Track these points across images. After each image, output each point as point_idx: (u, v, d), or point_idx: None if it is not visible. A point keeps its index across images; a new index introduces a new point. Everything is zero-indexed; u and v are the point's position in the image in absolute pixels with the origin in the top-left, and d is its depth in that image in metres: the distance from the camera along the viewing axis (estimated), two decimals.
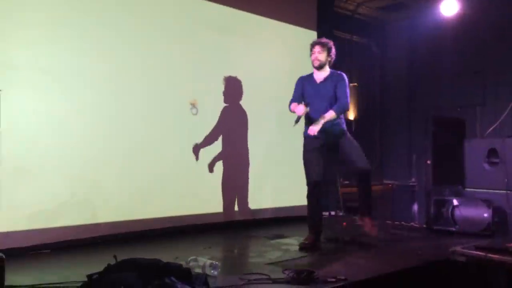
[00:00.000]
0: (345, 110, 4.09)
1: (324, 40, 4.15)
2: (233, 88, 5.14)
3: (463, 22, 6.48)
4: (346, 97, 4.02)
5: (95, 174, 4.10)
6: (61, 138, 3.91)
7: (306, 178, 4.12)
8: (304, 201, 6.10)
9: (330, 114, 3.94)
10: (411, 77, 7.62)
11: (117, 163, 4.24)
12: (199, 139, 4.89)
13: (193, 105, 4.87)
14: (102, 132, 4.15)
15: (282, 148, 5.70)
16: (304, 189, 5.98)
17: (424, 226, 5.47)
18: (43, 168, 3.78)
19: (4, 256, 2.20)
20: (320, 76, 4.12)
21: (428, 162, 6.85)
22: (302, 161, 6.11)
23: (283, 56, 5.80)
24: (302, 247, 3.93)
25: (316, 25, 6.19)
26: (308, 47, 6.11)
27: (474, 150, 5.21)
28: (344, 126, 4.19)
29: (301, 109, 3.93)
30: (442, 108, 7.00)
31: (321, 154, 4.09)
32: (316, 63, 4.08)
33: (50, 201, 3.82)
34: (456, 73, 6.78)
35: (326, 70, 4.13)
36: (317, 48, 4.09)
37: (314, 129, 3.88)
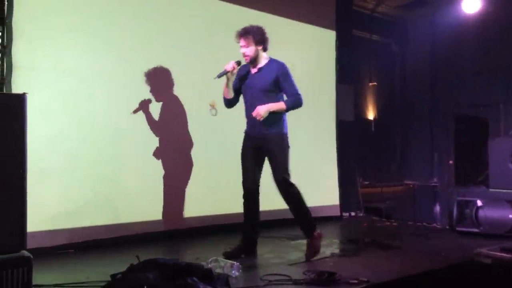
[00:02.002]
0: (298, 105, 3.62)
1: (246, 29, 3.55)
2: (163, 80, 4.52)
3: (485, 19, 6.36)
4: (296, 90, 3.58)
5: (118, 175, 4.15)
6: (84, 139, 3.97)
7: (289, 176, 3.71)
8: (324, 202, 6.10)
9: (279, 105, 3.53)
10: (432, 75, 7.51)
11: (139, 163, 4.29)
12: (220, 140, 4.89)
13: (213, 106, 4.88)
14: (124, 133, 4.20)
15: (300, 148, 5.67)
16: (324, 190, 6.00)
17: (447, 227, 5.38)
18: (67, 169, 3.85)
19: (31, 256, 2.24)
20: (255, 66, 3.63)
21: (450, 162, 6.74)
22: (319, 162, 6.08)
23: (301, 56, 5.78)
24: (223, 253, 3.54)
25: (334, 24, 6.15)
26: (327, 46, 6.15)
27: (498, 150, 5.10)
28: (285, 130, 3.69)
29: (230, 64, 3.51)
30: (464, 107, 6.88)
31: (255, 155, 3.65)
32: (246, 59, 3.59)
33: (74, 201, 3.88)
34: (478, 71, 6.66)
35: (263, 59, 3.62)
36: (242, 42, 3.55)
37: (260, 111, 3.44)
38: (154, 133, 4.38)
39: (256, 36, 3.54)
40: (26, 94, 2.32)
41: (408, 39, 7.73)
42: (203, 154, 4.77)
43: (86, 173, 3.95)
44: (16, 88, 3.59)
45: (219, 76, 3.59)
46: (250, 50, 3.55)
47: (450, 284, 3.36)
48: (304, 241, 4.38)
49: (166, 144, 4.49)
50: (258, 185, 3.73)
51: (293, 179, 5.57)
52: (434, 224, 5.88)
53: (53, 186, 3.74)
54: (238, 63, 3.60)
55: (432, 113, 7.50)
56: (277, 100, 3.58)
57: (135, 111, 4.23)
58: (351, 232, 5.35)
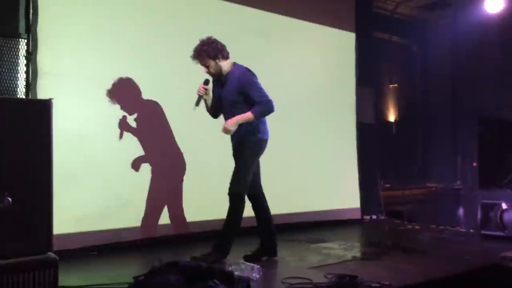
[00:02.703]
0: (268, 111, 3.46)
1: (196, 49, 3.46)
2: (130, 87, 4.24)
3: (508, 19, 6.24)
4: (263, 96, 3.43)
5: (140, 178, 4.20)
6: (106, 142, 4.03)
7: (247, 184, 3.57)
8: (345, 205, 6.06)
9: (247, 116, 3.39)
10: (454, 76, 7.39)
11: (160, 166, 4.33)
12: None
13: None
14: (145, 136, 4.26)
15: (321, 151, 5.66)
16: (345, 193, 5.96)
17: (471, 231, 5.28)
18: (90, 173, 3.91)
19: (57, 258, 2.30)
20: (223, 78, 3.56)
21: (474, 164, 6.61)
22: (339, 165, 6.03)
23: (321, 59, 5.77)
24: (244, 256, 3.52)
25: (354, 26, 6.12)
26: (347, 49, 6.12)
27: None
28: (264, 135, 3.58)
29: (199, 88, 3.48)
30: (488, 109, 6.74)
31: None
32: (212, 77, 3.56)
33: (97, 205, 3.95)
34: (502, 72, 6.52)
35: (226, 68, 3.52)
36: (200, 63, 3.49)
37: (227, 126, 3.39)
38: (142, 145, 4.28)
39: (208, 50, 3.43)
40: (52, 100, 2.39)
41: (429, 40, 7.63)
42: (224, 157, 4.79)
43: (108, 177, 4.01)
44: (41, 93, 3.68)
45: (197, 104, 3.51)
46: (211, 67, 3.47)
47: None
48: (324, 245, 4.37)
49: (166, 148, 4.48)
50: (259, 190, 3.71)
51: (314, 182, 5.60)
52: (458, 228, 5.78)
53: (77, 190, 3.81)
54: (206, 82, 3.53)
55: (454, 115, 7.38)
56: (248, 110, 3.43)
57: (120, 136, 4.06)
58: (372, 235, 5.30)
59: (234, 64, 3.56)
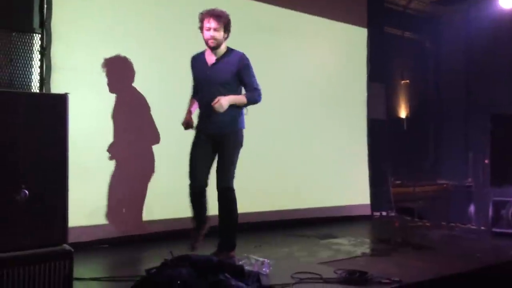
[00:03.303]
0: (258, 101, 3.37)
1: (219, 11, 3.29)
2: (121, 69, 4.12)
3: None
4: (257, 84, 3.34)
5: (151, 173, 4.24)
6: (119, 137, 4.07)
7: (233, 178, 3.37)
8: (355, 201, 6.04)
9: (241, 98, 3.30)
10: (467, 72, 7.32)
11: (172, 162, 4.36)
12: (248, 139, 4.92)
13: None
14: (159, 132, 4.29)
15: (331, 146, 5.66)
16: (355, 189, 5.95)
17: (482, 228, 5.25)
18: (103, 167, 3.96)
19: (72, 250, 2.34)
20: (212, 56, 3.34)
21: (486, 161, 6.55)
22: (350, 161, 5.93)
23: (332, 54, 5.75)
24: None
25: (366, 21, 6.09)
26: (359, 44, 6.08)
27: None
28: (243, 126, 3.46)
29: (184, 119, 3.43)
30: (500, 105, 6.67)
31: (207, 152, 3.39)
32: (212, 43, 3.26)
33: (109, 198, 3.99)
34: None
35: (222, 49, 3.34)
36: (213, 23, 3.22)
37: (222, 101, 3.16)
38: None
39: (227, 21, 3.29)
40: (68, 94, 2.42)
41: (442, 35, 7.56)
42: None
43: (121, 171, 4.05)
44: (55, 88, 3.72)
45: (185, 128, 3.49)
46: (220, 35, 3.26)
47: (486, 286, 3.29)
48: (334, 240, 4.38)
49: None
50: (207, 185, 3.44)
51: (324, 178, 5.61)
52: (469, 225, 5.75)
53: (90, 184, 3.86)
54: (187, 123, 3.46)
55: (467, 111, 7.31)
56: (234, 94, 3.31)
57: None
58: (382, 231, 5.29)
59: (228, 47, 3.40)
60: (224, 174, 3.34)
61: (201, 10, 4.59)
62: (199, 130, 3.42)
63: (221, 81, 3.30)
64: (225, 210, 3.37)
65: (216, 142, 3.38)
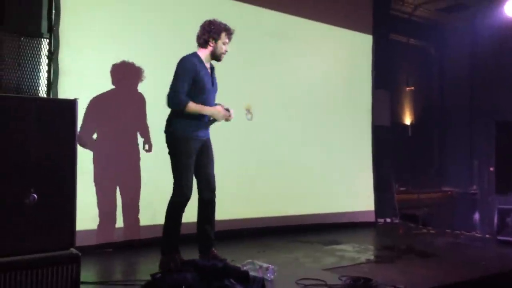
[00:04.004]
0: None
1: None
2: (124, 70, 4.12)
3: None
4: None
5: (157, 177, 4.25)
6: (126, 142, 4.09)
7: (177, 186, 3.22)
8: (359, 208, 6.02)
9: None
10: (472, 79, 7.32)
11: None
12: (253, 144, 4.94)
13: (248, 111, 4.91)
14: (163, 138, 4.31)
15: (336, 153, 5.66)
16: (360, 195, 5.94)
17: (487, 236, 5.23)
18: (108, 172, 3.98)
19: (80, 254, 2.35)
20: (208, 64, 3.40)
21: (491, 169, 6.53)
22: (354, 167, 5.88)
23: (337, 61, 5.77)
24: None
25: (371, 28, 6.11)
26: (364, 51, 6.09)
27: None
28: None
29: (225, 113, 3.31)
30: (505, 112, 6.66)
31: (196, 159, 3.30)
32: (223, 57, 3.40)
33: (113, 203, 4.01)
34: None
35: None
36: (228, 41, 3.38)
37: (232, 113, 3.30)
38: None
39: None
40: (77, 100, 2.45)
41: (447, 43, 7.57)
42: (240, 158, 4.83)
43: (126, 176, 4.07)
44: (62, 92, 3.76)
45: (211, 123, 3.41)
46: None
47: None
48: (338, 247, 4.37)
49: None
50: None
51: (329, 184, 5.60)
52: (474, 233, 5.72)
53: (94, 188, 3.88)
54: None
55: (471, 118, 7.30)
56: None
57: None
58: (387, 238, 5.28)
59: None
60: (213, 179, 3.38)
61: (207, 14, 4.64)
62: (195, 138, 3.27)
63: (216, 90, 3.41)
64: (213, 216, 3.39)
65: (204, 147, 3.35)
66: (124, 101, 4.18)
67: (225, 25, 3.38)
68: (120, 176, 4.07)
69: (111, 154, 4.03)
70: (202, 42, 3.34)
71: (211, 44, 3.33)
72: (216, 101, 3.51)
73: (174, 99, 3.17)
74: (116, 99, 4.10)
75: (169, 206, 3.25)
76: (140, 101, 4.22)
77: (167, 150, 3.32)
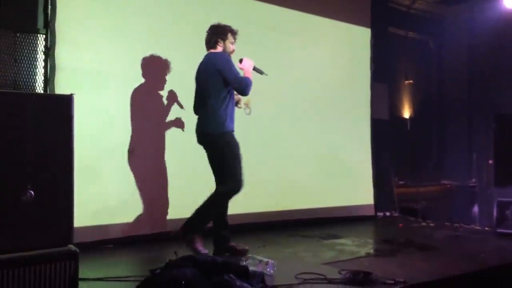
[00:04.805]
0: None
1: None
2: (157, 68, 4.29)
3: None
4: None
5: (156, 172, 4.25)
6: (122, 138, 4.08)
7: (236, 180, 3.44)
8: (359, 201, 6.02)
9: None
10: (471, 73, 7.30)
11: (177, 162, 4.37)
12: (252, 139, 4.92)
13: (247, 105, 4.90)
14: (161, 133, 4.30)
15: (334, 147, 5.66)
16: (359, 189, 5.94)
17: (486, 228, 5.24)
18: (107, 167, 3.97)
19: (78, 250, 2.34)
20: None
21: (490, 162, 6.53)
22: (353, 161, 5.89)
23: (336, 54, 5.75)
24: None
25: (370, 21, 6.08)
26: (362, 44, 6.07)
27: None
28: None
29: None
30: (504, 105, 6.65)
31: None
32: (231, 55, 3.67)
33: (113, 199, 4.00)
34: None
35: None
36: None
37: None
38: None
39: None
40: (74, 95, 2.43)
41: (445, 36, 7.54)
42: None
43: (124, 171, 4.06)
44: (59, 88, 3.73)
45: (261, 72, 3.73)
46: None
47: (491, 287, 3.28)
48: (338, 241, 4.38)
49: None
50: None
51: (327, 178, 5.60)
52: (473, 226, 5.73)
53: (94, 184, 3.87)
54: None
55: (470, 111, 7.29)
56: None
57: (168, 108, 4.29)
58: (386, 232, 5.29)
59: None
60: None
61: (204, 8, 4.61)
62: (232, 130, 3.57)
63: None
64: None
65: None
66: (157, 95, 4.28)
67: (229, 26, 3.65)
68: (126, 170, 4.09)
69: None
70: (213, 43, 3.61)
71: (220, 45, 3.61)
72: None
73: (247, 83, 3.51)
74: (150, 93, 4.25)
75: (217, 196, 3.46)
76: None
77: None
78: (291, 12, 5.30)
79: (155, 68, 4.26)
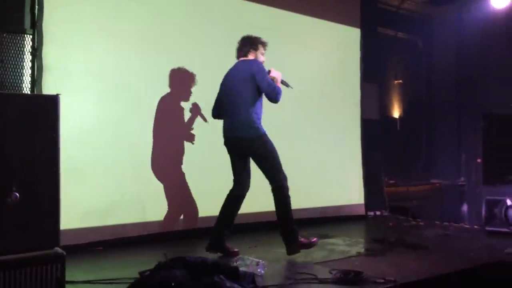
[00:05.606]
0: None
1: None
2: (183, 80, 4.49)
3: None
4: None
5: (145, 174, 4.21)
6: (113, 139, 4.05)
7: (280, 173, 3.69)
8: (349, 201, 6.03)
9: None
10: (459, 72, 7.37)
11: (167, 163, 4.34)
12: None
13: None
14: (151, 134, 4.27)
15: (325, 147, 5.66)
16: (349, 189, 5.95)
17: (475, 227, 5.28)
18: (96, 168, 3.93)
19: (64, 253, 2.31)
20: None
21: (479, 160, 6.59)
22: (344, 161, 5.94)
23: (326, 55, 5.75)
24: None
25: (359, 22, 6.10)
26: (352, 44, 6.08)
27: None
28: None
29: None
30: (492, 104, 6.72)
31: None
32: None
33: (103, 200, 3.96)
34: (507, 68, 6.49)
35: None
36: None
37: None
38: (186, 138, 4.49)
39: None
40: (59, 95, 2.40)
41: (434, 36, 7.59)
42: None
43: (114, 173, 4.03)
44: (46, 89, 3.69)
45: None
46: None
47: (480, 285, 3.30)
48: (329, 241, 4.37)
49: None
50: None
51: (318, 178, 5.60)
52: (462, 224, 5.77)
53: (83, 185, 3.83)
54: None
55: (459, 110, 7.35)
56: None
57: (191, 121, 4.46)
58: (377, 231, 5.30)
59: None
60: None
61: (194, 9, 4.62)
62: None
63: None
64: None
65: None
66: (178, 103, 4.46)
67: (261, 38, 3.87)
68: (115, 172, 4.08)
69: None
70: (245, 52, 3.78)
71: (252, 54, 3.77)
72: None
73: (278, 91, 3.68)
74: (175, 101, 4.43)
75: (282, 196, 3.67)
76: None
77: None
78: (281, 12, 5.30)
79: (181, 80, 4.43)
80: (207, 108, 4.51)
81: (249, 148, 3.63)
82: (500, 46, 6.62)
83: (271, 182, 3.67)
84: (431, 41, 7.63)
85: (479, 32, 6.77)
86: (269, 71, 3.74)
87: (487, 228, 4.85)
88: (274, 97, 3.67)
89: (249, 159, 3.73)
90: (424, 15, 7.54)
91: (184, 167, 4.47)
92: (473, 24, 6.78)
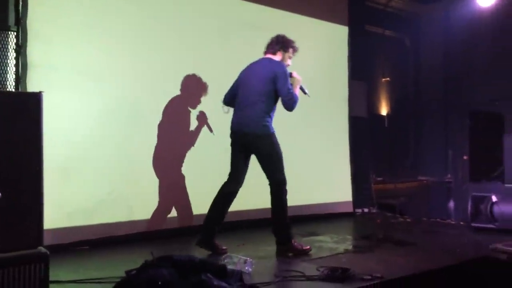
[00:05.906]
0: None
1: None
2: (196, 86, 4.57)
3: (500, 13, 6.27)
4: None
5: (132, 173, 4.18)
6: (99, 137, 4.01)
7: (281, 174, 3.70)
8: (337, 198, 6.04)
9: None
10: (446, 70, 7.43)
11: (167, 163, 4.34)
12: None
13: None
14: (139, 132, 4.24)
15: (313, 144, 5.67)
16: (337, 186, 5.96)
17: (462, 223, 5.34)
18: (82, 167, 3.89)
19: (48, 253, 2.28)
20: None
21: (465, 157, 6.66)
22: (331, 158, 5.96)
23: (314, 53, 5.75)
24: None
25: (347, 20, 6.12)
26: (340, 42, 6.10)
27: None
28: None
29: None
30: (479, 102, 6.79)
31: None
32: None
33: (89, 199, 3.93)
34: (493, 66, 6.56)
35: None
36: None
37: None
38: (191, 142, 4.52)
39: None
40: (42, 93, 2.36)
41: (421, 34, 7.64)
42: (217, 153, 4.79)
43: (100, 172, 3.99)
44: (31, 86, 3.64)
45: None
46: None
47: (466, 280, 3.34)
48: (316, 238, 4.39)
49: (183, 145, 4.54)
50: None
51: (306, 175, 5.61)
52: (449, 220, 5.83)
53: (69, 184, 3.79)
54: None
55: (446, 108, 7.42)
56: None
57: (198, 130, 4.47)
58: (364, 228, 5.33)
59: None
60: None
61: (183, 6, 4.60)
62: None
63: None
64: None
65: None
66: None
67: (294, 42, 3.84)
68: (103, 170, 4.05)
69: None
70: (275, 50, 3.76)
71: (280, 54, 3.75)
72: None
73: (296, 99, 3.64)
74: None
75: (281, 196, 3.64)
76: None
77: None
78: (269, 10, 5.29)
79: (193, 86, 4.48)
80: (196, 111, 4.54)
81: (254, 145, 3.60)
82: (485, 44, 6.68)
83: (271, 183, 3.65)
84: (419, 39, 7.68)
85: (465, 30, 6.83)
86: (291, 74, 3.70)
87: (473, 224, 4.90)
88: (290, 105, 3.63)
89: (251, 156, 3.70)
90: (412, 13, 7.58)
91: (183, 168, 4.50)
92: (460, 22, 6.84)
